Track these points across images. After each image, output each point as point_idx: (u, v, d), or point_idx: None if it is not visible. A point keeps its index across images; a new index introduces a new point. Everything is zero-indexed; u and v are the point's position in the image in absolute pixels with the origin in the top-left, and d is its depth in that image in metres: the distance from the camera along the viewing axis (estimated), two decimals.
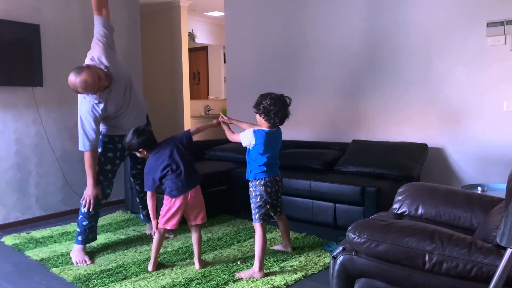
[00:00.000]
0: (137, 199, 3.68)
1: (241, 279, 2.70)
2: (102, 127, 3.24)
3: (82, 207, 3.14)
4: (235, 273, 2.78)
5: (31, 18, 4.03)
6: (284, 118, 2.78)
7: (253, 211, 2.81)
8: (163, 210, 2.87)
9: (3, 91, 3.90)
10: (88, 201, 3.09)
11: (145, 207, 3.38)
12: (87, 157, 3.05)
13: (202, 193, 2.93)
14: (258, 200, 2.80)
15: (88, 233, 3.17)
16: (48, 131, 4.22)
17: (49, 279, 2.81)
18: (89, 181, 3.08)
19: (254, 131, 2.75)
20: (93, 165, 3.08)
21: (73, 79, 2.85)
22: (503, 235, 1.31)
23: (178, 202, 2.82)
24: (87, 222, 3.14)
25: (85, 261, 3.05)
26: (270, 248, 3.23)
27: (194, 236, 2.94)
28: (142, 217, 3.74)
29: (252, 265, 2.78)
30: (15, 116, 4.00)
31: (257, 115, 2.79)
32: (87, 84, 2.85)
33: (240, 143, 2.82)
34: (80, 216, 3.15)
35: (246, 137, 2.77)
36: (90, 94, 2.95)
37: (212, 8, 7.32)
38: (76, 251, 3.13)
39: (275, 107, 2.70)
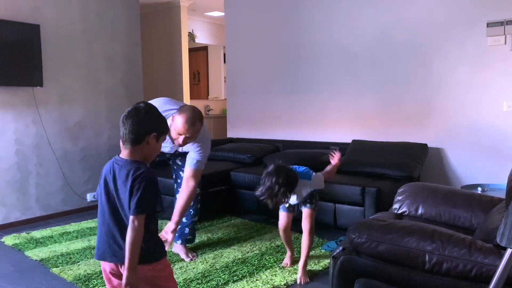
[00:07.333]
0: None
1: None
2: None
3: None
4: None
5: (31, 18, 4.03)
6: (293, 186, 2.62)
7: (315, 201, 2.88)
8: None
9: (3, 91, 3.90)
10: None
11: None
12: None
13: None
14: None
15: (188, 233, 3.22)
16: (48, 131, 4.22)
17: (49, 279, 2.81)
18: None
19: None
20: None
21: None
22: (503, 235, 1.31)
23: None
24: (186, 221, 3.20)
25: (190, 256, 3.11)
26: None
27: None
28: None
29: (299, 267, 2.76)
30: (15, 116, 4.00)
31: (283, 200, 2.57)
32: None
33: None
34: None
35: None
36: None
37: (212, 8, 7.32)
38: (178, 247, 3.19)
39: (282, 181, 2.48)
